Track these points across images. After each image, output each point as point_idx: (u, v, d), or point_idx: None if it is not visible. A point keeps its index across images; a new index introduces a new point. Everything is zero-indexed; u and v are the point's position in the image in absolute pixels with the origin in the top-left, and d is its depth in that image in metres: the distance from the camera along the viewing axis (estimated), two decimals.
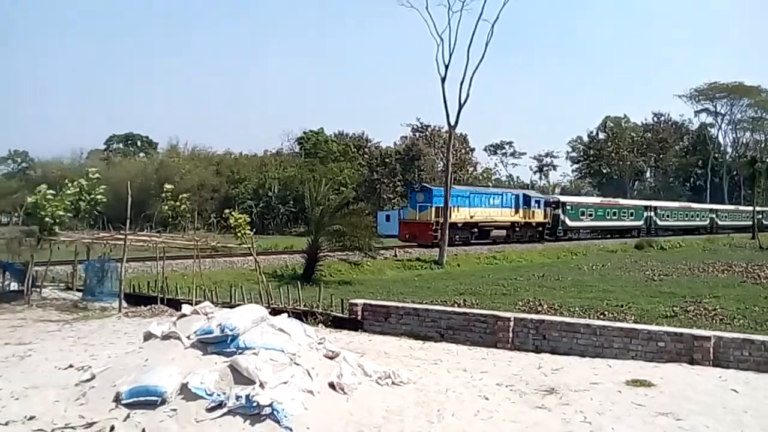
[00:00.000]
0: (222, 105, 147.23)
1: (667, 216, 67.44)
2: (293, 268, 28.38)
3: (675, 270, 30.03)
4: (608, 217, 58.48)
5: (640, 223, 62.85)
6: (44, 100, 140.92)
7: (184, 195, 19.71)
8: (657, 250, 47.39)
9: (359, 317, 13.57)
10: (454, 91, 37.28)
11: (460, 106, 36.97)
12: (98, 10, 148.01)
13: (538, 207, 49.06)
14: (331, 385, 7.01)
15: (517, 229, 46.54)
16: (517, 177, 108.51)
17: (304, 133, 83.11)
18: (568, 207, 53.74)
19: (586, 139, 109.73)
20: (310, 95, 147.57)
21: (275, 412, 6.18)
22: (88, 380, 7.23)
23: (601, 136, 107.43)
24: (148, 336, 8.05)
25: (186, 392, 6.50)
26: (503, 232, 45.07)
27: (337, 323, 13.68)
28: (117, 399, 6.53)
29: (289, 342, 7.56)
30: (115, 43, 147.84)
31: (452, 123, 38.24)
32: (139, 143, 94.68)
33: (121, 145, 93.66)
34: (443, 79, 36.76)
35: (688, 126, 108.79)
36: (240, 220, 17.91)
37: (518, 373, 8.93)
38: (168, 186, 19.70)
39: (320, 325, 13.22)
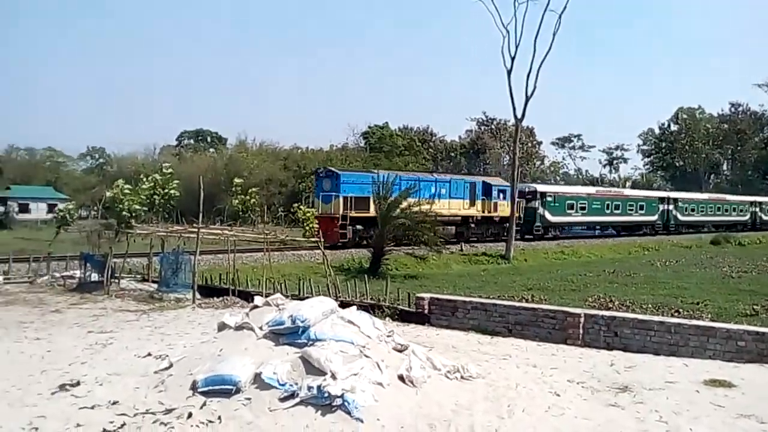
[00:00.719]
0: (289, 101, 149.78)
1: (692, 210, 57.67)
2: (360, 262, 28.63)
3: (755, 267, 28.87)
4: (608, 211, 49.48)
5: (654, 218, 53.75)
6: (119, 98, 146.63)
7: (254, 189, 20.16)
8: (734, 246, 45.85)
9: (426, 311, 13.56)
10: (520, 84, 36.89)
11: (527, 99, 36.53)
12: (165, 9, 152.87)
13: (503, 198, 40.35)
14: (401, 378, 7.02)
15: (473, 225, 39.31)
16: (586, 171, 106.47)
17: (369, 127, 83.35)
18: (549, 199, 44.92)
19: (657, 131, 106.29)
20: (375, 90, 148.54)
21: (346, 403, 6.25)
22: (166, 368, 7.49)
23: (674, 128, 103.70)
24: (222, 326, 8.25)
25: (259, 382, 6.64)
26: (452, 229, 36.48)
27: (404, 317, 13.71)
28: (193, 387, 6.73)
29: (358, 334, 7.61)
30: (185, 41, 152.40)
31: (519, 116, 37.77)
32: (209, 139, 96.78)
33: (191, 141, 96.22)
34: (509, 72, 36.39)
35: None
36: (308, 214, 18.14)
37: (590, 370, 8.73)
38: (237, 180, 20.25)
39: (387, 318, 13.26)
